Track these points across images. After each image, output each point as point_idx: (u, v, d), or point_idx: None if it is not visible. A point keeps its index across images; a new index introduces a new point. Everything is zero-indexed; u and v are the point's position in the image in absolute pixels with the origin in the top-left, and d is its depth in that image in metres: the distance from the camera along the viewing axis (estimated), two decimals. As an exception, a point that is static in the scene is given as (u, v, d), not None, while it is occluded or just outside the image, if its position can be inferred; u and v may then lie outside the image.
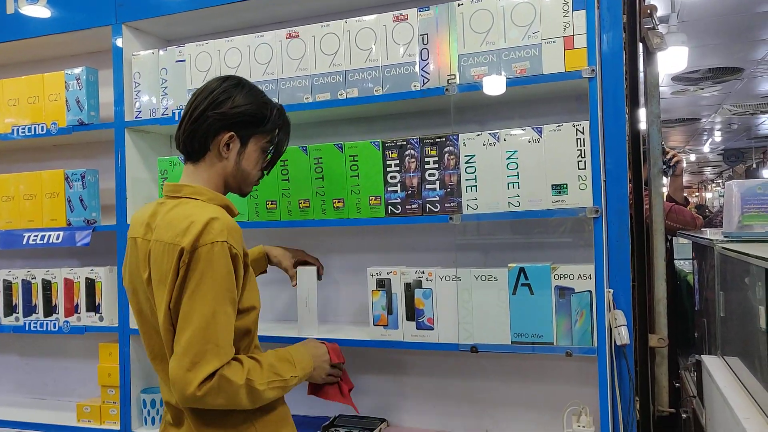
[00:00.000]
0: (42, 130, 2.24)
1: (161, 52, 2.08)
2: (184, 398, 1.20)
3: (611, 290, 1.60)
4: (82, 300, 2.20)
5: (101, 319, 2.18)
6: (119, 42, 2.15)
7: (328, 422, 2.00)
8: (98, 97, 2.25)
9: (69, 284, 2.22)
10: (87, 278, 2.20)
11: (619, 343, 1.56)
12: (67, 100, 2.22)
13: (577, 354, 1.60)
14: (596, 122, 1.58)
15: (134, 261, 1.37)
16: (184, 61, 2.05)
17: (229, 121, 1.37)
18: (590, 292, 1.59)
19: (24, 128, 2.26)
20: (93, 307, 2.19)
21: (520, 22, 1.65)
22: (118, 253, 2.13)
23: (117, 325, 2.14)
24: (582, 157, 1.59)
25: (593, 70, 1.58)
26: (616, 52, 1.60)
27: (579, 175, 1.60)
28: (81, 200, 2.22)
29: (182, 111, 1.43)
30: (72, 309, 2.22)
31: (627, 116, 1.65)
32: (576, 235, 1.79)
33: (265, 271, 1.88)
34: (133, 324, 2.06)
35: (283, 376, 1.34)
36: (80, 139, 2.34)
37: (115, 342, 2.15)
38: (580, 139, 1.60)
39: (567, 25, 1.61)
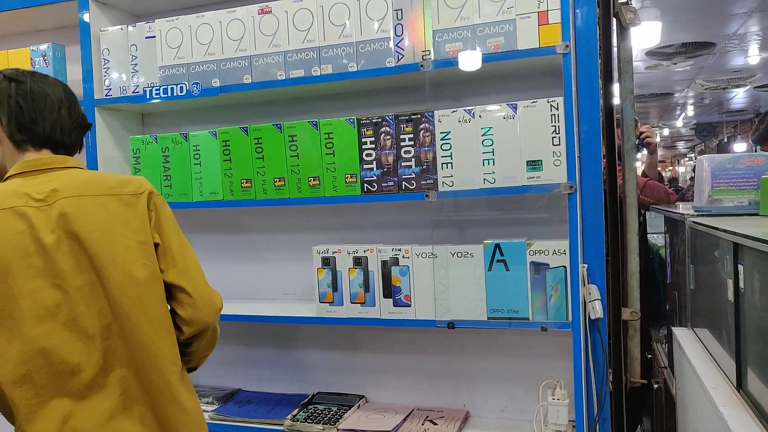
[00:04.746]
0: (7, 109, 2.16)
1: (130, 28, 2.03)
2: (214, 315, 1.28)
3: (585, 265, 1.62)
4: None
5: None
6: (86, 17, 2.08)
7: (306, 399, 2.02)
8: (66, 74, 2.18)
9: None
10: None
11: (593, 317, 1.60)
12: (32, 78, 2.14)
13: (552, 329, 1.63)
14: (570, 98, 1.59)
15: (18, 232, 1.17)
16: (155, 37, 1.99)
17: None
18: (565, 267, 1.61)
19: (-13, 107, 2.18)
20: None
21: (494, -3, 1.64)
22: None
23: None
24: (556, 133, 1.60)
25: (567, 46, 1.57)
26: (590, 28, 1.60)
27: (553, 151, 1.61)
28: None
29: (50, 101, 1.28)
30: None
31: (601, 91, 1.66)
32: (551, 210, 1.81)
33: None
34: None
35: None
36: (47, 118, 2.27)
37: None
38: (554, 115, 1.60)
39: (541, 0, 1.60)
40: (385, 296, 1.79)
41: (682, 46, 6.37)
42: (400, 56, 1.73)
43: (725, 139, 14.21)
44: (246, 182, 1.91)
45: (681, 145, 19.11)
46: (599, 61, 1.64)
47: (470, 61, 1.66)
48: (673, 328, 2.17)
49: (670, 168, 20.49)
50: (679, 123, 13.52)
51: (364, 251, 1.80)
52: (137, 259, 1.21)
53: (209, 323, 1.28)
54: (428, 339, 1.98)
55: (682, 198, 3.36)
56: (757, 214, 1.85)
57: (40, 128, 1.27)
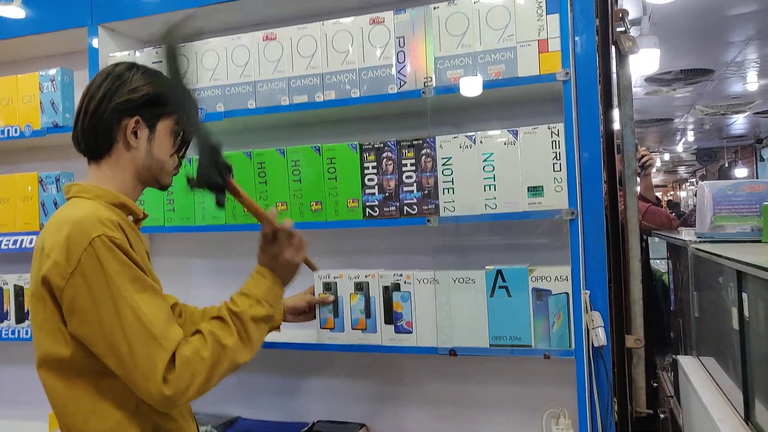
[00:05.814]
0: (15, 133, 2.19)
1: (138, 54, 2.05)
2: (162, 405, 1.14)
3: (588, 291, 1.61)
4: (54, 306, 2.13)
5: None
6: (95, 43, 2.11)
7: (306, 428, 1.98)
8: (73, 98, 2.21)
9: (41, 291, 2.16)
10: (59, 284, 2.14)
11: (596, 344, 1.58)
12: (41, 102, 2.17)
13: (555, 356, 1.61)
14: (571, 124, 1.60)
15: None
16: (161, 62, 2.01)
17: (131, 105, 1.25)
18: (567, 293, 1.60)
19: (-3, 130, 2.21)
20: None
21: (495, 25, 1.66)
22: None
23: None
24: (557, 159, 1.60)
25: (567, 73, 1.59)
26: (590, 55, 1.62)
27: (555, 177, 1.61)
28: (55, 204, 2.17)
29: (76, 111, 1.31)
30: (44, 316, 2.15)
31: (601, 117, 1.67)
32: (553, 236, 1.80)
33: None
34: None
35: (249, 313, 1.27)
36: (55, 141, 2.29)
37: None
38: (555, 141, 1.61)
39: (541, 29, 1.62)
40: (386, 322, 1.77)
41: (680, 72, 6.43)
42: (402, 83, 1.75)
43: (726, 164, 14.26)
44: (248, 207, 1.91)
45: (682, 170, 19.16)
46: (599, 88, 1.65)
47: (471, 87, 1.68)
48: (678, 356, 2.15)
49: (672, 193, 20.49)
50: (680, 148, 13.57)
51: (366, 276, 1.79)
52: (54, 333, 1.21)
53: (163, 409, 1.17)
54: (430, 366, 1.96)
55: (685, 224, 3.35)
56: (760, 241, 1.85)
57: None
